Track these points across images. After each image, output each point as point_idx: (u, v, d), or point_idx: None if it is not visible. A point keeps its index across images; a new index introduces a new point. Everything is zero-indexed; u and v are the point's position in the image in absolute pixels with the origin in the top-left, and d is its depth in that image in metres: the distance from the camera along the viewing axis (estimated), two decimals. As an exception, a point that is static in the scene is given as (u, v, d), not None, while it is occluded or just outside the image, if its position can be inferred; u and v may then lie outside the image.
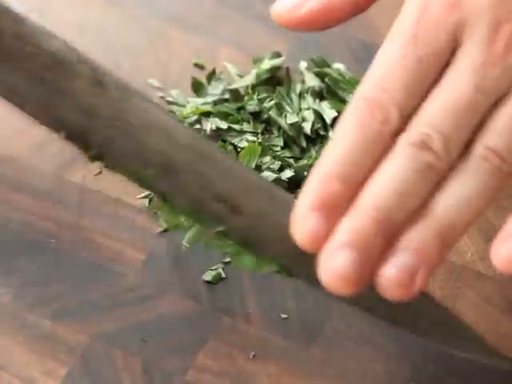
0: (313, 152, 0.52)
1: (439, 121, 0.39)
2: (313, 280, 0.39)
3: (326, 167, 0.38)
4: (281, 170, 0.52)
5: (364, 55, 0.59)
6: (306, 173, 0.51)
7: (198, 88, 0.56)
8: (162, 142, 0.40)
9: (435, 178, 0.38)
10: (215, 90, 0.56)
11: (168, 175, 0.40)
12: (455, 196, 0.38)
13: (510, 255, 0.38)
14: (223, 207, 0.41)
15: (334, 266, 0.37)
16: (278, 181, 0.51)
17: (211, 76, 0.57)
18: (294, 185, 0.51)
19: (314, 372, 0.47)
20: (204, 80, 0.56)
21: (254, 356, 0.47)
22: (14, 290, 0.49)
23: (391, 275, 0.37)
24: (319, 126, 0.53)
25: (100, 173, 0.53)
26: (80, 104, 0.40)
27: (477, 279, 0.49)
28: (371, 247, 0.37)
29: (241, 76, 0.56)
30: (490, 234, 0.50)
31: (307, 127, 0.53)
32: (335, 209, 0.38)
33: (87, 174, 0.53)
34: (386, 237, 0.38)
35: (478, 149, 0.38)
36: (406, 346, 0.47)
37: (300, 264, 0.42)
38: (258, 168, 0.52)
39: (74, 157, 0.54)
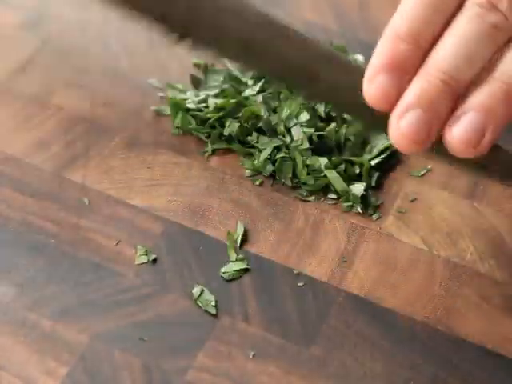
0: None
1: None
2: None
3: (397, 27, 0.39)
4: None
5: (364, 55, 0.59)
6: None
7: (196, 83, 0.57)
8: (238, 23, 0.40)
9: (501, 38, 0.39)
10: (214, 82, 0.57)
11: (249, 53, 0.41)
12: None
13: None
14: (302, 77, 0.42)
15: (402, 125, 0.38)
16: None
17: (207, 68, 0.57)
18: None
19: (314, 371, 0.46)
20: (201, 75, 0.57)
21: (253, 356, 0.47)
22: (14, 290, 0.49)
23: (460, 134, 0.38)
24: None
25: (100, 173, 0.53)
26: None
27: (477, 279, 0.49)
28: (438, 107, 0.38)
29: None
30: (490, 235, 0.50)
31: (321, 110, 0.54)
32: (405, 69, 0.39)
33: (87, 174, 0.53)
34: (453, 97, 0.38)
35: None
36: (406, 346, 0.47)
37: (374, 124, 0.42)
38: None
39: (74, 157, 0.54)
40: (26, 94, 0.57)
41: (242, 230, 0.51)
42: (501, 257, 0.50)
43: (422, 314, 0.48)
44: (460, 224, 0.51)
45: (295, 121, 0.53)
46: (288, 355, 0.47)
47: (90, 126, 0.55)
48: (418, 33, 0.39)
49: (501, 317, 0.47)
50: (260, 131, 0.54)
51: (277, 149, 0.53)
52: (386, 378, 0.46)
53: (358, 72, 0.41)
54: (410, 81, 0.39)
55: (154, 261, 0.50)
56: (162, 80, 0.57)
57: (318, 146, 0.53)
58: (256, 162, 0.53)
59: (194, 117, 0.55)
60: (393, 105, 0.39)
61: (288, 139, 0.53)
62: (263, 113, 0.53)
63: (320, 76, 0.42)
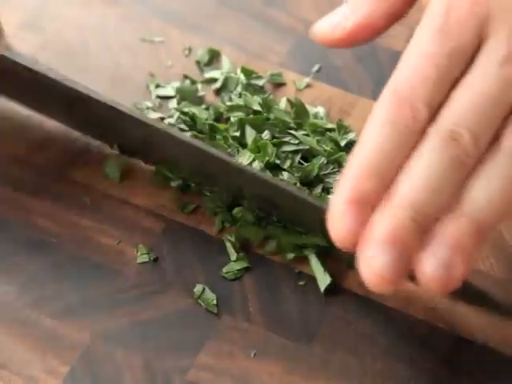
0: None
1: (467, 116, 0.39)
2: None
3: (358, 165, 0.39)
4: None
5: (364, 55, 0.59)
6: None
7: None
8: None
9: (465, 170, 0.39)
10: (212, 74, 0.57)
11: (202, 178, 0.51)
12: (486, 188, 0.38)
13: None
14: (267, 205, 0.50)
15: (376, 264, 0.38)
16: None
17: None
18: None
19: (315, 370, 0.46)
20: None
21: (254, 355, 0.47)
22: (16, 289, 0.49)
23: (431, 271, 0.38)
24: None
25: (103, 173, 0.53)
26: None
27: (477, 278, 0.49)
28: (409, 244, 0.38)
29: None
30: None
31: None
32: (369, 206, 0.39)
33: (88, 174, 0.53)
34: (422, 232, 0.38)
35: (507, 141, 0.39)
36: (407, 344, 0.47)
37: None
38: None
39: (76, 156, 0.54)
40: None
41: None
42: (501, 255, 0.50)
43: (423, 313, 0.48)
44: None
45: None
46: (289, 354, 0.47)
47: None
48: (382, 171, 0.39)
49: (501, 317, 0.47)
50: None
51: None
52: (387, 377, 0.46)
53: (317, 209, 0.46)
54: (373, 211, 0.39)
55: (156, 260, 0.50)
56: (162, 80, 0.57)
57: None
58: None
59: None
60: (356, 242, 0.39)
61: None
62: None
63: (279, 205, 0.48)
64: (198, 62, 0.58)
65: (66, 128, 0.55)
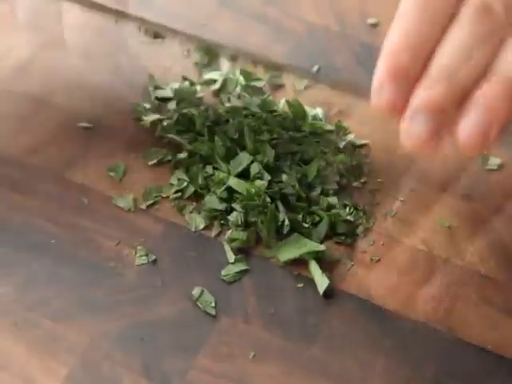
0: None
1: None
2: None
3: (394, 40, 0.40)
4: None
5: (365, 56, 0.59)
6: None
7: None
8: None
9: (497, 40, 0.40)
10: (211, 75, 0.57)
11: None
12: None
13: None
14: None
15: (414, 130, 0.40)
16: None
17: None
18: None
19: (314, 372, 0.47)
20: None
21: (253, 356, 0.47)
22: (15, 290, 0.49)
23: (468, 132, 0.40)
24: None
25: (101, 173, 0.53)
26: None
27: (477, 279, 0.49)
28: (445, 110, 0.40)
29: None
30: (490, 235, 0.51)
31: None
32: (409, 77, 0.40)
33: (87, 175, 0.53)
34: (456, 98, 0.40)
35: None
36: (407, 346, 0.47)
37: None
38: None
39: (75, 157, 0.54)
40: (26, 93, 0.57)
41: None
42: (501, 257, 0.50)
43: (422, 315, 0.48)
44: (460, 224, 0.51)
45: None
46: (288, 356, 0.47)
47: (90, 127, 0.56)
48: (418, 46, 0.41)
49: (500, 317, 0.48)
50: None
51: None
52: (386, 378, 0.46)
53: None
54: (413, 88, 0.40)
55: (154, 262, 0.50)
56: (162, 80, 0.58)
57: None
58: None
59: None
60: (400, 112, 0.41)
61: None
62: None
63: None
64: (196, 64, 0.58)
65: (65, 128, 0.55)
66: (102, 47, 0.59)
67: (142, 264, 0.50)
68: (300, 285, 0.49)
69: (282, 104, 0.56)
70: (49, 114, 0.56)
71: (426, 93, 0.41)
